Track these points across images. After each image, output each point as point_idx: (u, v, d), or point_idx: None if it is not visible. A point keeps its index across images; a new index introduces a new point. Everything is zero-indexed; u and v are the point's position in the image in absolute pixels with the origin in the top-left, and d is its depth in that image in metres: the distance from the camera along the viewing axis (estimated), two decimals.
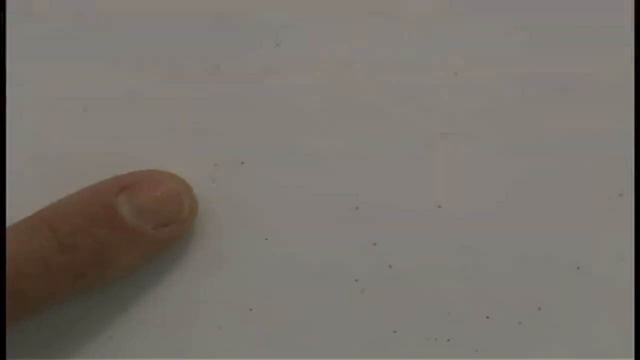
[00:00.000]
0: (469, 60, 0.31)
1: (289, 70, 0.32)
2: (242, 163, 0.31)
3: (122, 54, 0.32)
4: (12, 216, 0.29)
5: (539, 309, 0.31)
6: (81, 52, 0.32)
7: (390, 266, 0.31)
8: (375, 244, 0.31)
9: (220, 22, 0.32)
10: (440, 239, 0.31)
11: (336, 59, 0.32)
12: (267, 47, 0.32)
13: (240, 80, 0.32)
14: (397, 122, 0.31)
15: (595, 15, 0.31)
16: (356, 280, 0.31)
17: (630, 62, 0.31)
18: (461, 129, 0.31)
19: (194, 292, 0.31)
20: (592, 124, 0.31)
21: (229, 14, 0.32)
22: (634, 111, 0.31)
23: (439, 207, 0.31)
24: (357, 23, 0.32)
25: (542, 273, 0.31)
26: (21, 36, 0.32)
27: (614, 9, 0.31)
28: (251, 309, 0.31)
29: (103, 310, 0.31)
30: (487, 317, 0.31)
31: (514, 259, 0.31)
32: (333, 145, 0.31)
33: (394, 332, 0.31)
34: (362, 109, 0.31)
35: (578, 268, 0.31)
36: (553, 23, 0.31)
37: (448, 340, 0.31)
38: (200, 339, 0.31)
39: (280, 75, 0.32)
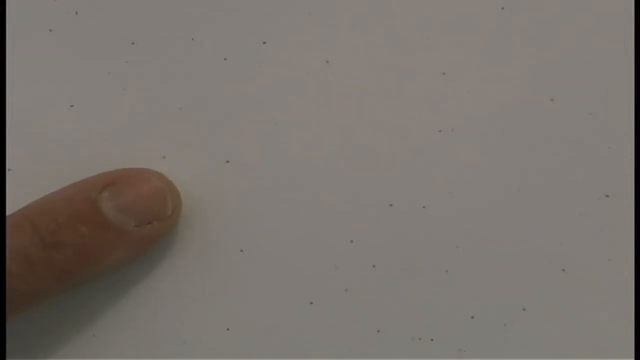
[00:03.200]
0: (457, 60, 0.31)
1: (276, 68, 0.31)
2: (227, 162, 0.31)
3: (109, 52, 0.32)
4: None
5: (524, 309, 0.31)
6: (67, 48, 0.32)
7: (374, 266, 0.31)
8: (357, 243, 0.31)
9: (206, 20, 0.32)
10: (424, 239, 0.31)
11: (323, 58, 0.31)
12: (253, 45, 0.32)
13: (226, 78, 0.31)
14: (382, 121, 0.31)
15: (590, 15, 0.31)
16: (340, 280, 0.31)
17: (619, 62, 0.31)
18: (448, 130, 0.31)
19: (179, 290, 0.31)
20: (579, 126, 0.31)
21: (215, 11, 0.32)
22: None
23: (424, 207, 0.31)
24: (345, 21, 0.32)
25: (528, 274, 0.31)
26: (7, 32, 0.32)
27: (609, 9, 0.31)
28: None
29: (87, 308, 0.31)
30: (472, 318, 0.31)
31: (499, 259, 0.31)
32: (319, 144, 0.31)
33: (378, 331, 0.31)
34: (347, 109, 0.31)
35: (563, 270, 0.31)
36: (545, 25, 0.31)
37: (432, 340, 0.31)
38: (186, 338, 0.31)
39: (266, 74, 0.31)
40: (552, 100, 0.31)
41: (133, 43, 0.31)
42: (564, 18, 0.31)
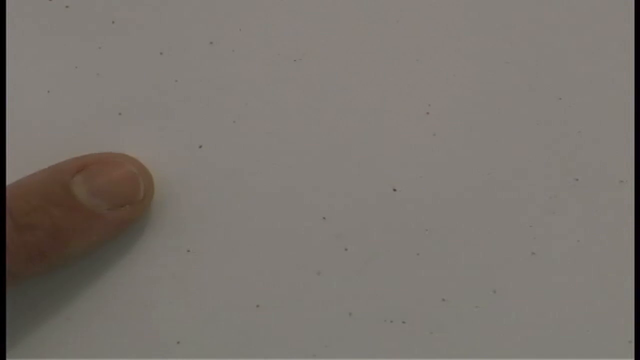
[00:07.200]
0: (431, 47, 0.32)
1: (249, 54, 0.32)
2: (200, 147, 0.31)
3: (85, 37, 0.32)
4: None
5: (494, 292, 0.31)
6: (44, 34, 0.32)
7: (346, 249, 0.31)
8: (329, 227, 0.31)
9: (181, 5, 0.32)
10: (396, 222, 0.31)
11: (297, 44, 0.32)
12: (228, 31, 0.32)
13: (200, 64, 0.32)
14: (354, 106, 0.31)
15: (581, 12, 0.32)
16: (312, 263, 0.31)
17: (594, 48, 0.31)
18: (419, 114, 0.31)
19: (151, 276, 0.31)
20: (550, 110, 0.31)
21: None
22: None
23: (395, 190, 0.31)
24: (319, 8, 0.32)
25: (498, 258, 0.31)
26: None
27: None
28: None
29: (60, 291, 0.31)
30: (443, 300, 0.31)
31: (470, 242, 0.31)
32: (291, 130, 0.31)
33: (350, 314, 0.31)
34: (319, 95, 0.32)
35: (533, 253, 0.31)
36: (525, 11, 0.32)
37: (403, 322, 0.31)
38: (155, 326, 0.31)
39: (242, 60, 0.32)
40: (525, 85, 0.31)
41: (109, 30, 0.32)
42: (548, 5, 0.31)
